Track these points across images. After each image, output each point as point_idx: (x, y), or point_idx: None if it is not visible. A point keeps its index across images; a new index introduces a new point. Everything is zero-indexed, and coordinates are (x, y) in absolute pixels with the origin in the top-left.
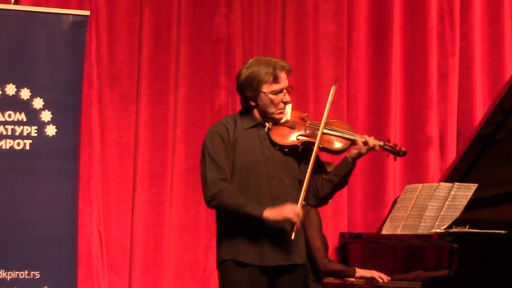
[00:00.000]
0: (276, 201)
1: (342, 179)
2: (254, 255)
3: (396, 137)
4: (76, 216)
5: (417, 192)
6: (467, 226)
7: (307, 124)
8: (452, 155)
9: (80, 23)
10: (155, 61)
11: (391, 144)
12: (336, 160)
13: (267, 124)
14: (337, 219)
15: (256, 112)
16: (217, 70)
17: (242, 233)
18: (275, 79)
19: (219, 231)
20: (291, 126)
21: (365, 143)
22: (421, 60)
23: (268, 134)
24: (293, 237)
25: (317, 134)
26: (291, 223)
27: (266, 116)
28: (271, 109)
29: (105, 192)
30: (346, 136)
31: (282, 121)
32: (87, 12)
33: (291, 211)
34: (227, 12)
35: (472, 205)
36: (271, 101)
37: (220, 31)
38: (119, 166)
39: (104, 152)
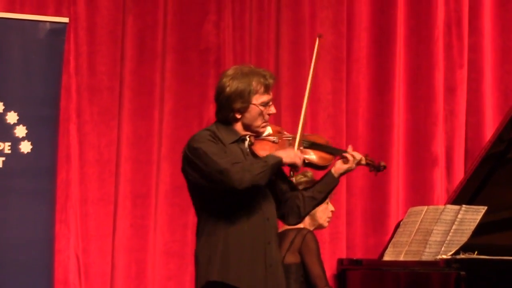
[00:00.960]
0: (268, 222)
1: (325, 196)
2: (248, 280)
3: (399, 155)
4: (52, 240)
5: (422, 215)
6: (476, 252)
7: (288, 138)
8: (459, 175)
9: (58, 31)
10: (138, 73)
11: (370, 158)
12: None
13: (247, 138)
14: (335, 244)
15: (238, 126)
16: (206, 83)
17: (236, 254)
18: (266, 90)
19: (207, 246)
20: (274, 140)
21: (353, 157)
22: (427, 72)
23: (250, 148)
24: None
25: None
26: (295, 167)
27: (250, 130)
28: (258, 122)
29: (84, 214)
30: (332, 150)
31: (265, 134)
32: (66, 19)
33: (298, 157)
34: (216, 20)
35: (481, 229)
36: (260, 113)
37: (209, 40)
38: (99, 186)
39: (83, 170)
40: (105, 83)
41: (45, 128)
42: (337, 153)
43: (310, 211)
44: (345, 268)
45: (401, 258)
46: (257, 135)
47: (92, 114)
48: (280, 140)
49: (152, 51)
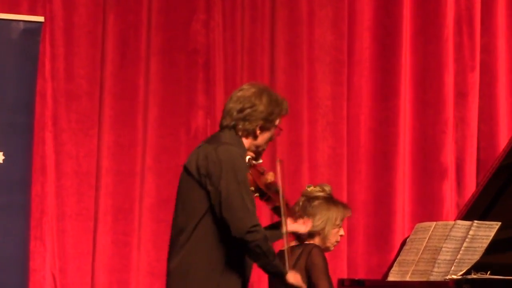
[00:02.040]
0: None
1: None
2: None
3: (405, 166)
4: (26, 259)
5: (430, 232)
6: (488, 272)
7: (268, 176)
8: (471, 188)
9: (32, 31)
10: (120, 76)
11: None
12: None
13: (247, 159)
14: (336, 262)
15: (247, 142)
16: (194, 87)
17: (235, 273)
18: (284, 115)
19: (206, 260)
20: (262, 172)
21: None
22: (435, 75)
23: (249, 172)
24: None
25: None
26: None
27: (254, 150)
28: (265, 145)
29: (61, 231)
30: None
31: (260, 161)
32: (41, 18)
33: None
34: (206, 19)
35: (494, 247)
36: (271, 137)
37: (197, 41)
38: (77, 200)
39: (59, 183)
40: (84, 88)
41: (18, 137)
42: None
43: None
44: None
45: (407, 279)
46: (256, 159)
47: (69, 122)
48: (264, 174)
49: (135, 53)
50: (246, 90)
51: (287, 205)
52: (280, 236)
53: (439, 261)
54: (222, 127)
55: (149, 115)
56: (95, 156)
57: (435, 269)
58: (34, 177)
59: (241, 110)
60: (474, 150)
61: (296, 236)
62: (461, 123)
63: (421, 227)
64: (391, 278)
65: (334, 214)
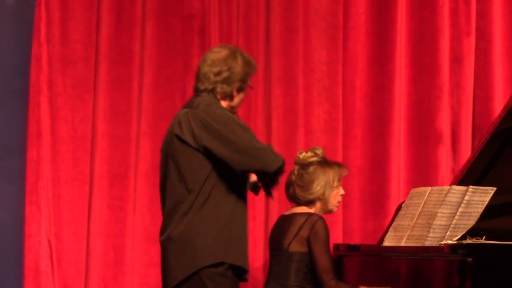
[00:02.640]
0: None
1: None
2: (246, 263)
3: (400, 132)
4: (21, 224)
5: (425, 197)
6: (484, 237)
7: None
8: (466, 153)
9: None
10: (116, 41)
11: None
12: None
13: None
14: (331, 228)
15: (224, 105)
16: (189, 52)
17: (241, 235)
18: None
19: (212, 226)
20: None
21: None
22: (431, 41)
23: None
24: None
25: None
26: None
27: (230, 110)
28: (238, 105)
29: (56, 196)
30: None
31: None
32: None
33: None
34: None
35: (489, 212)
36: (243, 97)
37: (193, 6)
38: (73, 165)
39: (55, 148)
40: (79, 52)
41: (14, 102)
42: None
43: None
44: (342, 254)
45: (403, 244)
46: None
47: (65, 87)
48: None
49: (130, 17)
50: (219, 52)
51: None
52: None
53: (434, 226)
54: (200, 91)
55: (144, 80)
56: (91, 121)
57: (430, 234)
58: (30, 142)
59: (218, 73)
60: (470, 116)
61: (295, 200)
62: (457, 88)
63: (416, 192)
64: (386, 243)
65: (331, 176)
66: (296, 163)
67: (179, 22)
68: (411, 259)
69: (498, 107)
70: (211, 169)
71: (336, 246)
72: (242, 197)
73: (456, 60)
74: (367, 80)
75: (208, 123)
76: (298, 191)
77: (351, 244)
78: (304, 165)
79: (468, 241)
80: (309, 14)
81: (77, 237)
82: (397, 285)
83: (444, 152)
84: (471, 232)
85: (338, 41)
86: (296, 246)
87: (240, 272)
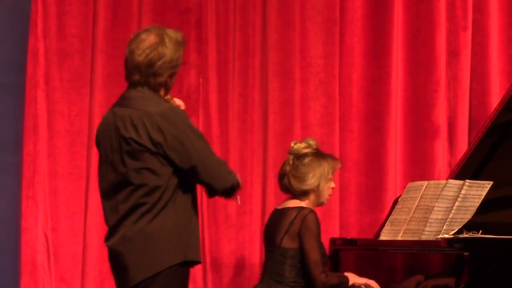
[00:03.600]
0: None
1: None
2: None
3: (397, 125)
4: (18, 218)
5: (422, 191)
6: (480, 231)
7: None
8: (463, 147)
9: None
10: (112, 35)
11: None
12: None
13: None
14: (327, 222)
15: (161, 93)
16: (186, 46)
17: (197, 232)
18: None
19: (175, 223)
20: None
21: None
22: (427, 35)
23: None
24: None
25: None
26: None
27: (165, 98)
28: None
29: (53, 190)
30: None
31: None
32: None
33: None
34: None
35: (486, 206)
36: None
37: (189, 0)
38: (69, 158)
39: (51, 142)
40: (76, 46)
41: (10, 96)
42: None
43: None
44: (338, 248)
45: (399, 238)
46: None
47: (61, 81)
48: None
49: (127, 12)
50: (146, 39)
51: None
52: None
53: (431, 220)
54: (134, 83)
55: None
56: (87, 114)
57: (427, 228)
58: (26, 136)
59: (150, 66)
60: (466, 109)
61: (289, 191)
62: (453, 82)
63: (413, 186)
64: (383, 237)
65: (326, 168)
66: (290, 153)
67: (176, 16)
68: (407, 253)
69: (494, 100)
70: (172, 170)
71: (333, 240)
72: (195, 193)
73: (453, 53)
74: (363, 74)
75: (166, 128)
76: (293, 182)
77: (348, 238)
78: (299, 156)
79: (465, 235)
80: (305, 8)
81: (73, 231)
82: (393, 279)
83: (440, 146)
84: (467, 226)
85: (335, 35)
86: (288, 242)
87: (193, 265)
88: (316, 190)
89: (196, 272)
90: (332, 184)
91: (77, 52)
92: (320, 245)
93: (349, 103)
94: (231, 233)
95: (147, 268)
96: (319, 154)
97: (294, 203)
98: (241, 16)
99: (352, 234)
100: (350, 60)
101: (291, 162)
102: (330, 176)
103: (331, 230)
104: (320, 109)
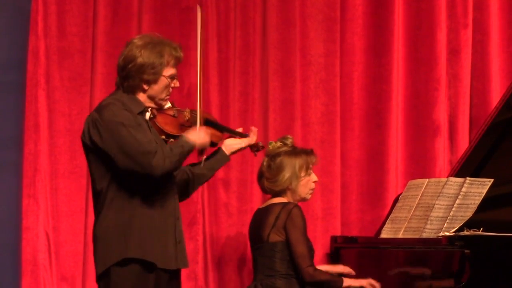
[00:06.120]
0: (176, 198)
1: (214, 173)
2: (162, 257)
3: (398, 124)
4: (19, 217)
5: (422, 189)
6: (481, 229)
7: (182, 112)
8: (463, 145)
9: None
10: (112, 34)
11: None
12: None
13: (149, 110)
14: (328, 220)
15: (141, 96)
16: (186, 45)
17: (150, 230)
18: (176, 63)
19: (118, 222)
20: (174, 114)
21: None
22: (428, 33)
23: (152, 121)
24: (202, 164)
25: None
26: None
27: (154, 101)
28: (163, 95)
29: (54, 189)
30: (222, 128)
31: (166, 107)
32: None
33: (207, 137)
34: None
35: (486, 204)
36: (167, 86)
37: None
38: (70, 157)
39: (52, 141)
40: (76, 45)
41: (11, 95)
42: (226, 130)
43: (198, 187)
44: (339, 246)
45: (400, 236)
46: (159, 107)
47: (62, 80)
48: (179, 115)
49: (127, 10)
50: (132, 43)
51: (211, 121)
52: (223, 158)
53: (431, 218)
54: (116, 86)
55: None
56: (88, 113)
57: (428, 226)
58: (27, 135)
59: (123, 69)
60: (467, 107)
61: (266, 191)
62: (454, 80)
63: (414, 184)
64: (384, 235)
65: (297, 166)
66: (266, 155)
67: (176, 15)
68: (408, 251)
69: (495, 98)
70: (113, 169)
71: (334, 238)
72: (156, 192)
73: (453, 52)
74: (364, 72)
75: (99, 123)
76: (266, 183)
77: (349, 236)
78: (272, 156)
79: (466, 232)
80: (306, 6)
81: (74, 230)
82: (394, 277)
83: (441, 144)
84: (468, 224)
85: (336, 33)
86: (275, 236)
87: (151, 266)
88: (290, 189)
89: (197, 270)
90: (313, 178)
91: (78, 51)
92: (306, 238)
93: (349, 101)
94: (232, 231)
95: (98, 267)
96: (292, 152)
97: (277, 200)
98: (242, 14)
99: (353, 232)
100: (351, 58)
101: (265, 163)
102: (302, 174)
103: (332, 228)
104: (320, 107)
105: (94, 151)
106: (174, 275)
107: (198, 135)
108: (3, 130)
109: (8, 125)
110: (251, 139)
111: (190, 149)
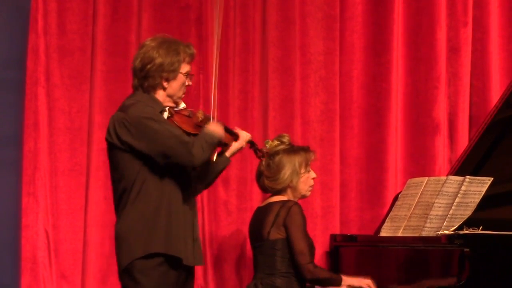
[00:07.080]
0: (194, 197)
1: (216, 176)
2: (185, 253)
3: (397, 122)
4: (19, 215)
5: (422, 188)
6: (480, 227)
7: (198, 114)
8: (463, 143)
9: None
10: (112, 32)
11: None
12: None
13: (166, 110)
14: (328, 218)
15: (160, 95)
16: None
17: (175, 227)
18: (190, 60)
19: (146, 217)
20: (189, 115)
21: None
22: (428, 31)
23: (171, 120)
24: (215, 159)
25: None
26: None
27: (172, 100)
28: (180, 92)
29: (54, 187)
30: (228, 129)
31: (181, 107)
32: None
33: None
34: None
35: (486, 202)
36: (183, 83)
37: None
38: (70, 155)
39: (52, 139)
40: (76, 43)
41: (11, 93)
42: (231, 132)
43: (201, 192)
44: (339, 244)
45: (400, 234)
46: (176, 106)
47: (62, 77)
48: (193, 116)
49: (127, 8)
50: (147, 46)
51: (225, 128)
52: (225, 160)
53: (431, 216)
54: (134, 87)
55: None
56: (87, 111)
57: (427, 225)
58: (27, 133)
59: (142, 69)
60: (467, 106)
61: (266, 190)
62: (454, 78)
63: (413, 183)
64: (383, 233)
65: (297, 163)
66: (262, 153)
67: (176, 13)
68: (408, 249)
69: (495, 97)
70: (140, 166)
71: (333, 237)
72: (180, 188)
73: (453, 50)
74: (364, 70)
75: (127, 122)
76: (267, 182)
77: (348, 234)
78: (270, 155)
79: (465, 231)
80: (305, 4)
81: (74, 228)
82: (394, 275)
83: (441, 142)
84: (468, 222)
85: (335, 31)
86: (276, 234)
87: (175, 261)
88: (291, 186)
89: (196, 268)
90: (312, 175)
91: (77, 49)
92: (306, 235)
93: (349, 99)
94: (232, 229)
95: (120, 263)
96: (290, 150)
97: (276, 198)
98: (241, 12)
99: (353, 230)
100: (351, 57)
101: (264, 162)
102: (302, 170)
103: (331, 227)
104: (320, 105)
105: (124, 150)
106: (191, 272)
107: (219, 128)
108: (3, 128)
109: (7, 123)
110: (242, 136)
111: (219, 140)
